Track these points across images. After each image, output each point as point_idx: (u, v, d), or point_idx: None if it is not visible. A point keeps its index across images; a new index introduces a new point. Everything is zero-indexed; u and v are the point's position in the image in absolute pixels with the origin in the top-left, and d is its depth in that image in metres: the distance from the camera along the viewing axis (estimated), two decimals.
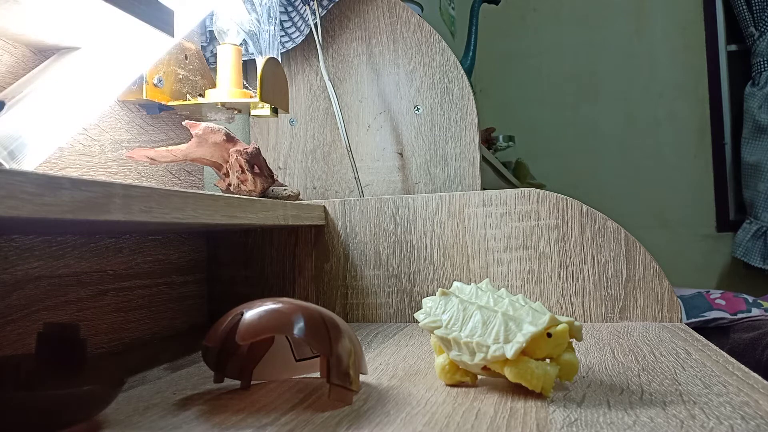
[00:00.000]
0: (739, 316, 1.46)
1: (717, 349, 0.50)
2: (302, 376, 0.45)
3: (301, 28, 0.86)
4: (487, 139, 1.84)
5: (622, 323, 0.65)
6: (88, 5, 0.45)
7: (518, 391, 0.39)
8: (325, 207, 0.76)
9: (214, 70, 0.71)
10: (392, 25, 0.88)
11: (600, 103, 2.34)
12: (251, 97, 0.68)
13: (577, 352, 0.39)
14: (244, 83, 0.74)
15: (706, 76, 2.21)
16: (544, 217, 0.68)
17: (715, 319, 1.47)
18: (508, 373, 0.36)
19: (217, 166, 0.65)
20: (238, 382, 0.43)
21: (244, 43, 0.71)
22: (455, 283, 0.43)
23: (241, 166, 0.63)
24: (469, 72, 1.34)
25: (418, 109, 0.86)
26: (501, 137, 1.87)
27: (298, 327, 0.36)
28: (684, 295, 1.56)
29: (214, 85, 0.70)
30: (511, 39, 2.41)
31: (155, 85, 0.62)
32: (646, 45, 2.29)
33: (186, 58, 0.67)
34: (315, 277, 0.76)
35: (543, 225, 0.68)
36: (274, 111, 0.73)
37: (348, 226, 0.75)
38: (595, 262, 0.66)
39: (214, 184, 0.69)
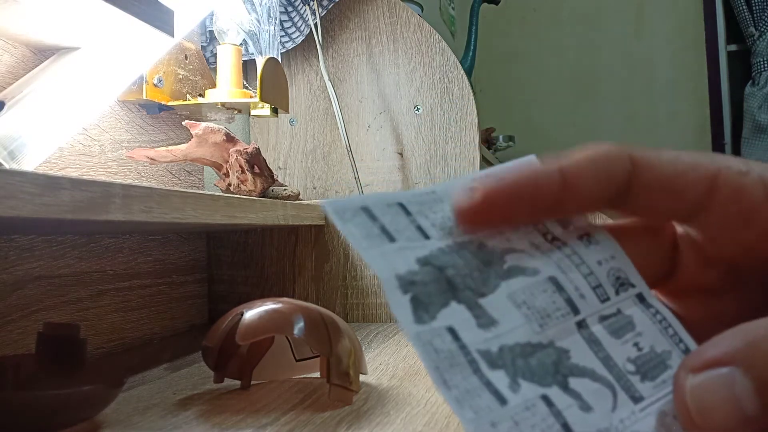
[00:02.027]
0: None
1: None
2: (302, 376, 0.45)
3: (301, 28, 0.86)
4: (487, 139, 1.84)
5: None
6: (88, 5, 0.45)
7: None
8: None
9: (214, 70, 0.71)
10: (392, 25, 0.88)
11: (600, 103, 2.34)
12: (251, 97, 0.68)
13: None
14: (244, 83, 0.74)
15: (706, 76, 2.21)
16: None
17: None
18: None
19: (217, 166, 0.65)
20: (238, 382, 0.43)
21: (244, 43, 0.71)
22: None
23: (241, 166, 0.63)
24: (469, 72, 1.34)
25: (418, 109, 0.86)
26: (501, 137, 1.87)
27: (298, 327, 0.36)
28: None
29: (214, 85, 0.70)
30: (511, 39, 2.41)
31: (155, 85, 0.62)
32: (646, 45, 2.29)
33: (186, 58, 0.67)
34: (315, 277, 0.76)
35: None
36: (274, 111, 0.73)
37: None
38: None
39: (214, 184, 0.69)
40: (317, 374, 0.44)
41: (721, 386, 0.17)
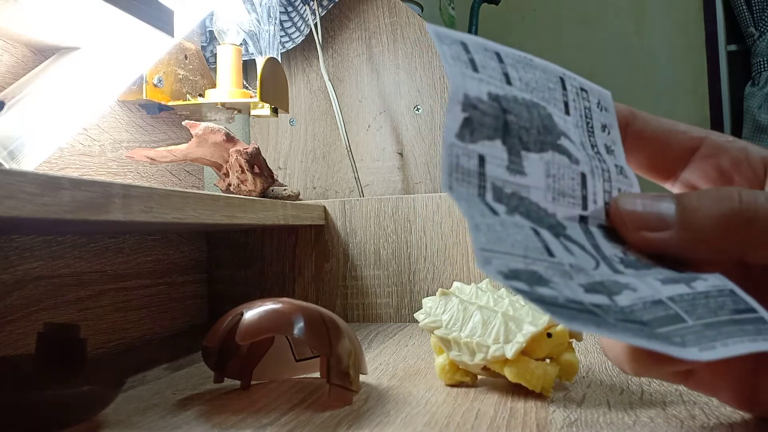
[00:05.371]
0: None
1: None
2: (302, 376, 0.45)
3: (301, 28, 0.86)
4: None
5: None
6: (88, 5, 0.45)
7: (518, 391, 0.39)
8: (325, 207, 0.76)
9: (214, 70, 0.71)
10: (392, 25, 0.88)
11: None
12: (251, 97, 0.68)
13: (577, 352, 0.39)
14: (244, 83, 0.74)
15: (706, 76, 2.21)
16: None
17: None
18: (508, 373, 0.36)
19: (217, 166, 0.65)
20: (238, 382, 0.43)
21: (244, 43, 0.71)
22: (455, 283, 0.43)
23: (241, 166, 0.63)
24: None
25: (418, 109, 0.86)
26: None
27: (298, 327, 0.36)
28: None
29: (214, 85, 0.70)
30: (511, 39, 2.41)
31: (155, 85, 0.62)
32: (646, 45, 2.29)
33: (186, 58, 0.67)
34: (315, 277, 0.76)
35: None
36: (274, 111, 0.73)
37: (348, 226, 0.75)
38: None
39: (214, 184, 0.69)
40: (317, 374, 0.44)
41: (651, 201, 0.22)
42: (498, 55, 0.20)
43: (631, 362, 0.22)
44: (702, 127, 0.26)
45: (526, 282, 0.16)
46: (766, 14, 2.10)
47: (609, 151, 0.23)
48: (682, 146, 0.25)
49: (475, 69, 0.19)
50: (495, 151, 0.18)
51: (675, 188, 0.27)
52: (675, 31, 2.27)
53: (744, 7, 2.13)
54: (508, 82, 0.20)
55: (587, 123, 0.22)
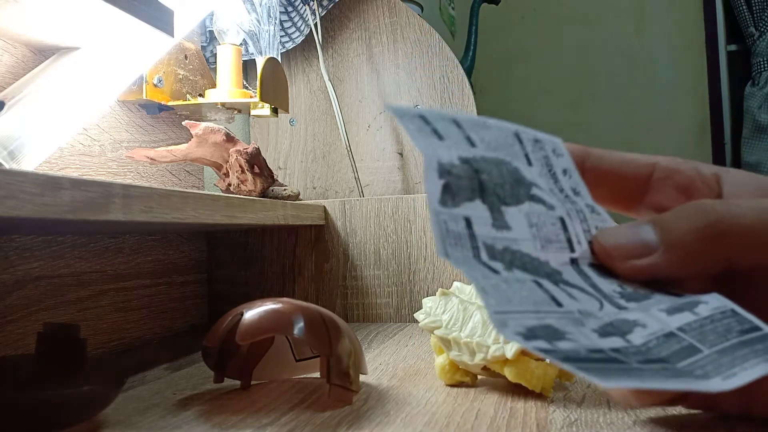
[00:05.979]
0: None
1: None
2: (302, 376, 0.45)
3: (301, 28, 0.86)
4: None
5: None
6: (88, 5, 0.45)
7: (518, 391, 0.39)
8: (325, 207, 0.76)
9: (214, 70, 0.71)
10: (392, 25, 0.88)
11: (600, 103, 2.34)
12: (251, 97, 0.68)
13: None
14: (244, 83, 0.74)
15: (706, 76, 2.21)
16: None
17: None
18: (508, 373, 0.36)
19: (217, 166, 0.65)
20: (238, 382, 0.43)
21: (244, 43, 0.71)
22: (455, 283, 0.43)
23: (241, 166, 0.63)
24: (469, 72, 1.34)
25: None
26: None
27: (298, 327, 0.36)
28: None
29: (214, 85, 0.70)
30: (511, 39, 2.41)
31: (155, 85, 0.62)
32: (646, 45, 2.29)
33: (186, 58, 0.67)
34: (315, 277, 0.76)
35: None
36: (274, 111, 0.73)
37: (348, 226, 0.75)
38: None
39: (214, 184, 0.69)
40: (317, 374, 0.44)
41: (630, 230, 0.23)
42: (456, 121, 0.21)
43: (639, 395, 0.23)
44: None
45: (545, 339, 0.17)
46: (766, 14, 2.10)
47: (576, 192, 0.24)
48: (636, 173, 0.27)
49: (440, 137, 0.20)
50: (477, 210, 0.19)
51: (640, 216, 0.28)
52: (675, 31, 2.27)
53: (744, 7, 2.13)
54: (472, 144, 0.21)
55: (549, 170, 0.24)
